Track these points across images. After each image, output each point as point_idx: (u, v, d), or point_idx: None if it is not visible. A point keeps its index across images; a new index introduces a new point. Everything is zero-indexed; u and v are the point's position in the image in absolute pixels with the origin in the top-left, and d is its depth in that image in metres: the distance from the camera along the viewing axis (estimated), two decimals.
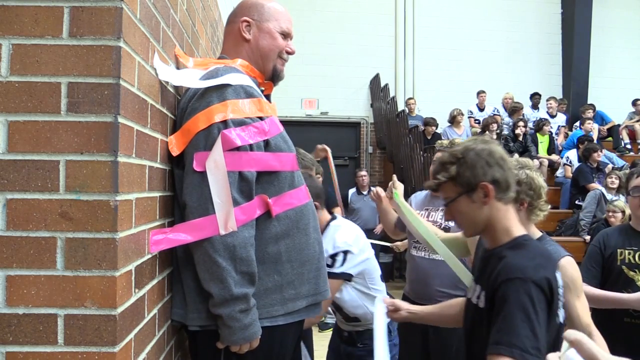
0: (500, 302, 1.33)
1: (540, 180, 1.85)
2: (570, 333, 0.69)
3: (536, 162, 7.56)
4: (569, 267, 1.79)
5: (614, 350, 1.29)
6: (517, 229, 1.48)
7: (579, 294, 1.80)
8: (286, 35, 1.71)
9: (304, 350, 1.97)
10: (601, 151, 6.92)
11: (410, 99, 9.12)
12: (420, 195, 3.00)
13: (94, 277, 1.06)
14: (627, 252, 2.37)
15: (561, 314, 1.42)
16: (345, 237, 2.34)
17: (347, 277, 2.32)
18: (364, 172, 7.30)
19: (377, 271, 2.46)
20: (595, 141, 7.71)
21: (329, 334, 3.06)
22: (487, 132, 7.46)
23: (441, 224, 2.67)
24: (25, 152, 1.05)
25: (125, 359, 1.12)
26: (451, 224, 2.65)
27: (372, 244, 2.66)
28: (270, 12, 1.69)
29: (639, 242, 2.37)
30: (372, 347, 1.86)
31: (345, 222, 2.48)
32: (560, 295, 1.40)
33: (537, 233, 1.89)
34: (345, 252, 2.31)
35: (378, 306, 1.85)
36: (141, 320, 1.24)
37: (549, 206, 1.91)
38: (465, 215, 1.49)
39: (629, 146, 8.64)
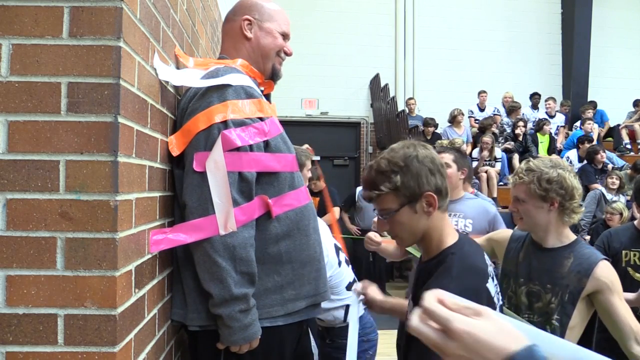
0: None
1: (573, 181, 1.79)
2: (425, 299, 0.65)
3: None
4: (605, 270, 1.75)
5: (613, 354, 1.28)
6: (450, 238, 1.42)
7: (620, 295, 1.75)
8: (285, 36, 1.72)
9: (313, 341, 1.96)
10: (603, 152, 6.90)
11: (410, 99, 9.12)
12: None
13: (94, 277, 1.06)
14: (632, 253, 2.33)
15: None
16: None
17: None
18: None
19: (343, 282, 2.37)
20: (595, 141, 7.71)
21: None
22: (486, 132, 7.47)
23: (457, 230, 2.59)
24: (25, 152, 1.05)
25: (125, 359, 1.12)
26: (469, 229, 2.61)
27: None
28: (270, 12, 1.70)
29: None
30: (340, 345, 1.86)
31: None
32: (497, 304, 1.36)
33: (571, 236, 1.86)
34: None
35: (353, 299, 1.81)
36: (141, 320, 1.24)
37: (584, 209, 1.88)
38: (406, 226, 1.40)
39: (629, 146, 8.64)
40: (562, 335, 1.73)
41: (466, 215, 2.66)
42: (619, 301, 1.74)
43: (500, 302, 1.42)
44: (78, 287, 1.05)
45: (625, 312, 1.73)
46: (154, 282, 1.36)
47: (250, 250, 1.44)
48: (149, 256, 1.30)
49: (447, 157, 2.66)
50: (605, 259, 1.81)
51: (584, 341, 1.84)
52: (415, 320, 0.65)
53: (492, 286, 1.35)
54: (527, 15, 10.01)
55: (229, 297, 1.40)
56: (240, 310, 1.41)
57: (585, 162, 7.16)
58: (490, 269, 1.42)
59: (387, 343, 2.92)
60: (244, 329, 1.42)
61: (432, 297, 0.65)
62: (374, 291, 1.75)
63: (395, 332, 2.57)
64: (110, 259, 1.06)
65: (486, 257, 1.46)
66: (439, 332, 0.63)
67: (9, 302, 1.04)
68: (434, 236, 1.41)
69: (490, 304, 1.31)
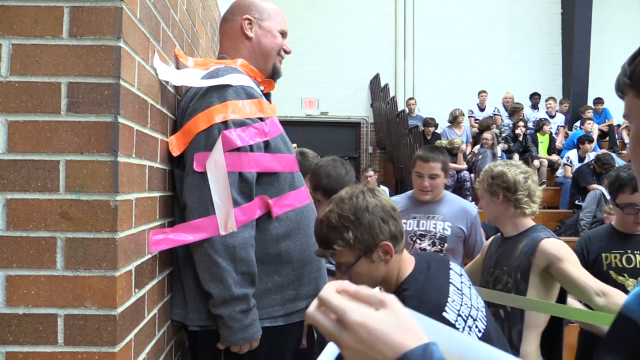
0: None
1: (517, 177, 2.02)
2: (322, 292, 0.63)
3: (537, 162, 7.61)
4: (550, 244, 1.91)
5: None
6: (407, 269, 1.42)
7: (572, 262, 1.88)
8: (283, 35, 1.73)
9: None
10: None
11: (410, 99, 9.11)
12: (400, 201, 2.77)
13: (94, 277, 1.06)
14: (612, 256, 2.27)
15: (475, 333, 1.36)
16: None
17: None
18: (371, 172, 7.13)
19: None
20: (595, 141, 7.71)
21: None
22: (485, 132, 7.47)
23: (436, 233, 2.58)
24: (25, 152, 1.05)
25: (125, 359, 1.12)
26: (447, 232, 2.58)
27: None
28: (268, 11, 1.71)
29: (624, 245, 2.27)
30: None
31: None
32: (463, 329, 1.33)
33: (528, 224, 2.05)
34: None
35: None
36: (141, 320, 1.24)
37: (536, 204, 2.05)
38: (365, 276, 1.39)
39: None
40: (522, 313, 1.90)
41: (445, 218, 2.61)
42: (571, 266, 1.87)
43: (476, 322, 1.39)
44: (78, 287, 1.05)
45: (579, 274, 1.86)
46: (154, 282, 1.36)
47: (250, 251, 1.44)
48: (149, 256, 1.30)
49: (436, 168, 2.61)
50: (550, 237, 1.97)
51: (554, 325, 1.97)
52: (311, 308, 0.64)
53: (452, 313, 1.33)
54: (527, 15, 10.01)
55: (229, 297, 1.40)
56: (241, 311, 1.41)
57: (583, 162, 7.16)
58: (453, 289, 1.40)
59: None
60: (244, 329, 1.42)
61: (332, 287, 0.64)
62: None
63: None
64: (110, 259, 1.06)
65: (452, 273, 1.45)
66: (334, 322, 0.61)
67: (9, 302, 1.04)
68: (393, 277, 1.42)
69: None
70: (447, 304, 1.34)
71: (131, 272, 1.17)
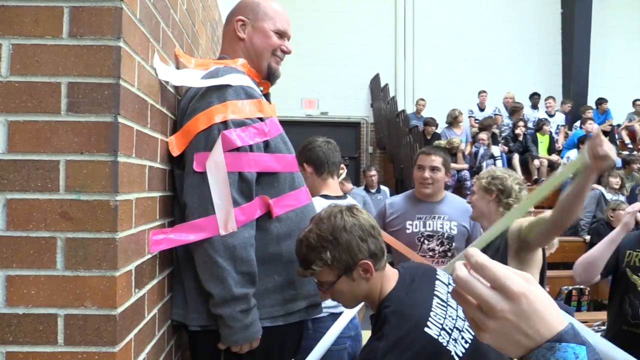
0: None
1: (514, 186, 2.24)
2: (469, 252, 0.60)
3: (537, 162, 7.61)
4: (512, 225, 2.09)
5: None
6: (389, 285, 1.43)
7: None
8: (282, 35, 1.71)
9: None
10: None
11: (420, 99, 9.06)
12: (401, 201, 2.78)
13: (94, 277, 1.06)
14: (635, 253, 2.27)
15: (460, 348, 1.34)
16: None
17: None
18: (373, 172, 7.21)
19: None
20: None
21: None
22: (484, 132, 7.47)
23: (444, 233, 2.60)
24: (25, 152, 1.05)
25: (125, 359, 1.12)
26: (454, 232, 2.61)
27: None
28: (266, 11, 1.69)
29: None
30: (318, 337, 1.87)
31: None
32: (447, 343, 1.31)
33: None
34: None
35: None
36: (141, 320, 1.24)
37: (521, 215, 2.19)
38: (347, 294, 1.42)
39: (630, 146, 8.61)
40: None
41: (450, 217, 2.63)
42: (523, 219, 2.08)
43: (462, 332, 1.37)
44: (78, 287, 1.05)
45: (529, 218, 2.08)
46: (154, 282, 1.36)
47: (250, 250, 1.44)
48: (149, 256, 1.30)
49: (437, 161, 2.65)
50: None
51: None
52: (463, 270, 0.59)
53: (434, 328, 1.32)
54: (527, 15, 10.01)
55: (229, 297, 1.40)
56: (241, 310, 1.41)
57: None
58: (437, 302, 1.39)
59: None
60: (244, 329, 1.42)
61: (482, 256, 0.59)
62: None
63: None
64: (110, 259, 1.06)
65: (438, 284, 1.45)
66: (492, 290, 0.57)
67: (9, 302, 1.04)
68: (375, 293, 1.42)
69: (432, 346, 1.29)
70: (430, 318, 1.34)
71: (131, 272, 1.17)
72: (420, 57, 9.77)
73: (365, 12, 9.67)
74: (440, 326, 1.34)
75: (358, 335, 2.32)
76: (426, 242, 2.62)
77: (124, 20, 1.08)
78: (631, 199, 6.06)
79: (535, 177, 7.56)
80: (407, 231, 2.64)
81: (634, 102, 9.04)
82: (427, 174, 2.63)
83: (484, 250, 2.03)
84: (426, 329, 1.31)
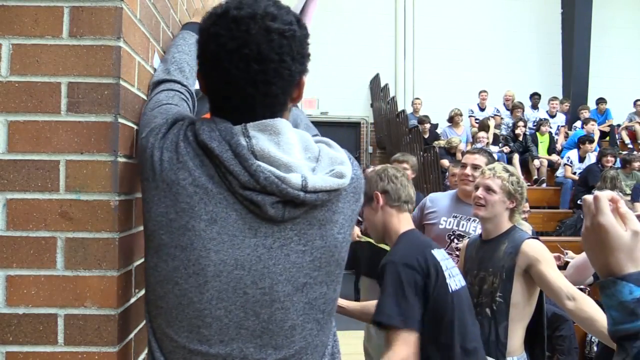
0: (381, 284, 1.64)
1: (525, 195, 2.20)
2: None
3: (537, 162, 7.61)
4: (531, 245, 2.02)
5: None
6: (403, 227, 1.76)
7: (549, 265, 1.99)
8: None
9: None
10: (612, 156, 6.87)
11: (416, 99, 9.08)
12: (443, 199, 2.82)
13: (94, 277, 1.06)
14: None
15: (453, 282, 1.68)
16: None
17: None
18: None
19: None
20: (596, 142, 7.72)
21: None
22: (484, 131, 7.47)
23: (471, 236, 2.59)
24: (25, 152, 1.05)
25: (125, 359, 1.12)
26: (478, 230, 2.61)
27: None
28: None
29: None
30: None
31: None
32: (445, 269, 1.66)
33: (507, 226, 2.15)
34: None
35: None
36: (141, 320, 1.23)
37: (519, 218, 2.22)
38: (368, 221, 1.82)
39: (630, 146, 8.62)
40: (507, 311, 1.99)
41: None
42: (548, 268, 1.96)
43: (459, 280, 1.73)
44: (78, 287, 1.05)
45: (554, 276, 1.95)
46: None
47: None
48: None
49: (481, 160, 2.68)
50: (533, 237, 2.11)
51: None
52: (605, 209, 0.73)
53: (439, 255, 1.70)
54: (527, 15, 10.02)
55: None
56: None
57: (584, 163, 7.17)
58: (438, 253, 1.72)
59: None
60: None
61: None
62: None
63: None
64: (110, 259, 1.06)
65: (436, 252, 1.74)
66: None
67: (9, 302, 1.04)
68: (391, 230, 1.76)
69: (437, 267, 1.63)
70: (437, 248, 1.73)
71: (131, 272, 1.17)
72: (420, 57, 9.77)
73: (365, 12, 9.67)
74: (444, 257, 1.71)
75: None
76: (456, 240, 2.64)
77: (124, 20, 1.08)
78: (634, 199, 6.04)
79: (535, 177, 7.57)
80: (440, 226, 2.69)
81: (634, 102, 9.04)
82: (468, 170, 2.68)
83: (492, 262, 2.09)
84: (433, 251, 1.68)
